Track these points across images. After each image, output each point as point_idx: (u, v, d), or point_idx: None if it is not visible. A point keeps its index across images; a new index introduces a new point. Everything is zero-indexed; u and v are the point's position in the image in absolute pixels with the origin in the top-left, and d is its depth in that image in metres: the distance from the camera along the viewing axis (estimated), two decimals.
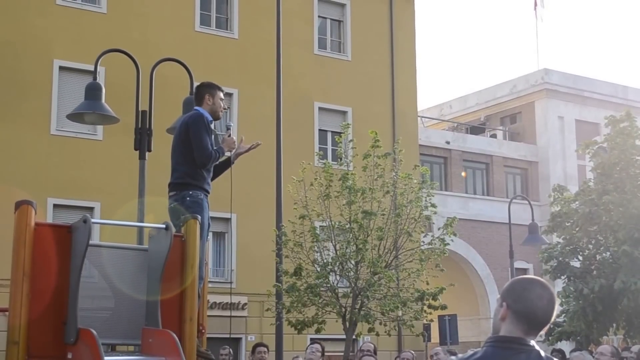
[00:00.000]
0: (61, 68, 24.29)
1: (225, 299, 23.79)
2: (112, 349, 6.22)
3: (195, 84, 8.23)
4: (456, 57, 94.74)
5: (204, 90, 7.36)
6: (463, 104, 40.89)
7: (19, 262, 5.59)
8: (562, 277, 25.88)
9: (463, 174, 34.63)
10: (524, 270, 33.63)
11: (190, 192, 7.00)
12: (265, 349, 12.15)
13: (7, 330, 5.72)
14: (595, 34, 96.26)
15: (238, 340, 25.47)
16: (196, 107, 7.35)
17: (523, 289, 3.14)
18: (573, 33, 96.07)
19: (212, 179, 7.36)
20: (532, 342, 3.11)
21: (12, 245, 5.68)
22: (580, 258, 25.75)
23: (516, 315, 3.11)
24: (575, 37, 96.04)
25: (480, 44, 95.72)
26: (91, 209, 23.53)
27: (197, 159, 7.04)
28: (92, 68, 11.68)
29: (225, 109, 7.60)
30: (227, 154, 7.47)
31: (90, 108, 10.76)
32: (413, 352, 13.29)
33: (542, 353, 3.12)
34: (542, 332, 3.36)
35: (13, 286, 5.60)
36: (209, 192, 7.22)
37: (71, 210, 23.36)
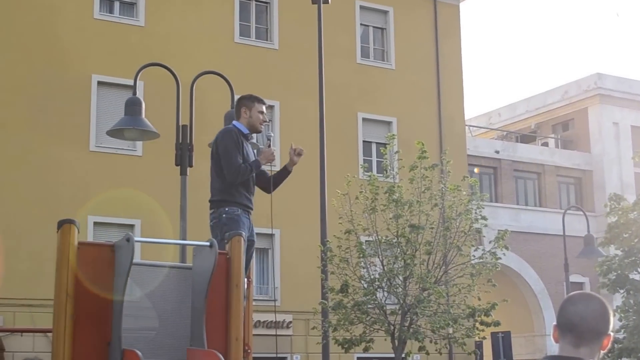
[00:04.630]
0: (99, 83, 24.58)
1: (270, 317, 23.83)
2: None
3: (236, 96, 8.29)
4: (504, 63, 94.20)
5: (241, 103, 7.46)
6: (512, 111, 40.59)
7: (62, 283, 5.65)
8: (621, 291, 25.53)
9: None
10: (580, 285, 33.20)
11: (227, 209, 7.04)
12: None
13: (51, 351, 5.80)
14: None
15: (283, 359, 25.49)
16: (234, 122, 7.44)
17: (565, 301, 3.17)
18: (627, 35, 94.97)
19: (273, 189, 7.39)
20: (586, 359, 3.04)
21: (54, 265, 5.76)
22: None
23: (561, 330, 3.11)
24: (629, 40, 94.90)
25: (529, 48, 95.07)
26: (131, 226, 23.76)
27: (226, 175, 7.11)
28: (130, 82, 11.82)
29: (265, 121, 7.62)
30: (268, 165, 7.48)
31: (131, 124, 10.78)
32: None
33: None
34: (605, 350, 3.24)
35: (56, 307, 5.67)
36: (249, 207, 7.22)
37: (111, 228, 23.62)
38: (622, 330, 24.99)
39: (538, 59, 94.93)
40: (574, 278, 30.64)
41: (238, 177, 7.09)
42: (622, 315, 25.00)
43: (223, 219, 6.99)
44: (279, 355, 24.50)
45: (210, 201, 7.23)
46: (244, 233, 6.47)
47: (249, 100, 7.44)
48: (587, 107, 37.38)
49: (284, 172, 7.54)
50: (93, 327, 5.75)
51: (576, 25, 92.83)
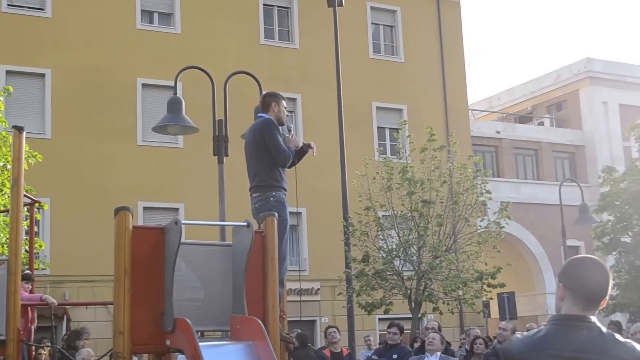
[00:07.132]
0: (144, 85, 24.78)
1: (299, 285, 24.00)
2: (201, 336, 6.37)
3: (263, 92, 8.37)
4: (502, 51, 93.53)
5: (270, 99, 7.47)
6: (510, 95, 40.37)
7: (120, 262, 5.79)
8: (614, 253, 25.48)
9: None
10: (576, 248, 33.11)
11: (274, 193, 7.10)
12: (336, 329, 12.50)
13: (112, 321, 5.95)
14: (636, 19, 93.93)
15: (313, 322, 25.69)
16: (261, 114, 7.46)
17: (575, 267, 3.06)
18: (614, 21, 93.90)
19: (291, 167, 7.47)
20: (593, 319, 3.02)
21: (113, 246, 5.91)
22: (631, 234, 25.32)
23: (573, 294, 3.02)
24: (616, 25, 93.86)
25: (524, 37, 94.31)
26: (176, 209, 24.02)
27: (276, 160, 7.12)
28: (170, 84, 11.95)
29: (287, 115, 7.72)
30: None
31: (173, 120, 10.98)
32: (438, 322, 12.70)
33: (604, 329, 3.02)
34: (603, 307, 3.24)
35: (116, 283, 5.81)
36: (286, 190, 7.34)
37: (159, 212, 23.88)
38: (615, 288, 24.94)
39: (533, 46, 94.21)
40: (570, 242, 30.55)
41: (288, 161, 7.20)
42: (615, 274, 24.94)
43: (271, 202, 7.04)
44: (307, 319, 24.66)
45: (255, 186, 7.19)
46: (276, 214, 6.57)
47: (276, 97, 7.49)
48: (578, 89, 37.10)
49: (300, 154, 7.60)
50: (148, 300, 5.88)
51: (567, 13, 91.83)
